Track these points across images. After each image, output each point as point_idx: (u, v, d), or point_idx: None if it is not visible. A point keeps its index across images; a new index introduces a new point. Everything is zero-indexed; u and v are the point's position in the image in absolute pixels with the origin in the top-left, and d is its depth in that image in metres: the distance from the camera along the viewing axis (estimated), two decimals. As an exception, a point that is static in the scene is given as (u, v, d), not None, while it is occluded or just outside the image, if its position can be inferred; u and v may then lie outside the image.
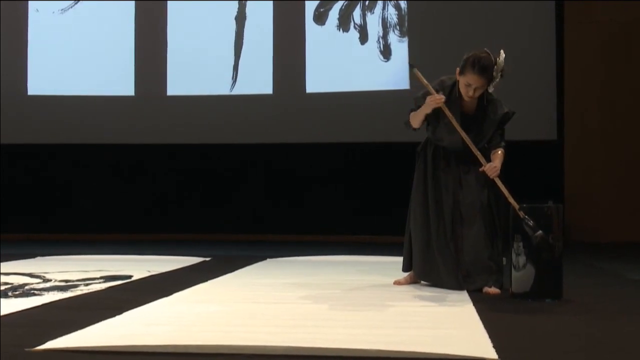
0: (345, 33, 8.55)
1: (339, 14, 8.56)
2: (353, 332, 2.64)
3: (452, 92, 3.85)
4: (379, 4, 8.53)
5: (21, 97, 8.82)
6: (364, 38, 8.51)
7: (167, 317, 2.99)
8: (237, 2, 8.76)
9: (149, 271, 4.76)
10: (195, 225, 8.61)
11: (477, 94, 3.78)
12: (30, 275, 4.49)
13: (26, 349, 2.34)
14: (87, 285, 4.03)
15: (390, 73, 8.39)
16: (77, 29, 8.83)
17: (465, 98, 3.81)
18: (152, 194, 8.83)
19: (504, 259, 3.81)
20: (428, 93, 3.83)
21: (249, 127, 8.59)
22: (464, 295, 3.65)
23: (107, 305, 3.28)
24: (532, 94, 7.96)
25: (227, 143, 8.67)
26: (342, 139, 8.47)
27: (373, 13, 8.53)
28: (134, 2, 8.82)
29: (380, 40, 8.48)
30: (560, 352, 2.43)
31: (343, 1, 8.57)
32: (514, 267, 3.59)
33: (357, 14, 8.54)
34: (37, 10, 8.90)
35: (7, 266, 4.97)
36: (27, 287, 3.88)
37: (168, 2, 8.78)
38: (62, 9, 8.89)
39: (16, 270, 4.70)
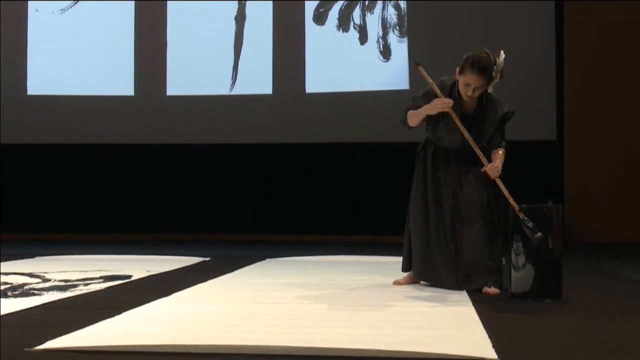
0: (345, 33, 8.55)
1: (339, 14, 8.56)
2: (353, 332, 2.64)
3: (452, 92, 3.85)
4: (379, 4, 8.52)
5: (21, 97, 8.82)
6: (363, 38, 8.51)
7: (166, 317, 2.99)
8: (236, 2, 8.76)
9: (148, 271, 4.76)
10: (195, 225, 8.61)
11: (477, 94, 3.78)
12: (30, 275, 4.48)
13: (25, 349, 2.34)
14: (86, 285, 4.03)
15: (390, 73, 8.39)
16: (76, 29, 8.83)
17: (465, 98, 3.81)
18: (152, 194, 8.83)
19: (504, 259, 3.81)
20: (428, 94, 3.83)
21: (248, 127, 8.59)
22: (463, 295, 3.65)
23: (106, 305, 3.28)
24: (532, 94, 7.96)
25: (227, 143, 8.67)
26: (342, 139, 8.47)
27: (373, 13, 8.53)
28: (133, 2, 8.82)
29: (380, 40, 8.48)
30: (560, 352, 2.43)
31: (343, 1, 8.57)
32: (514, 267, 3.59)
33: (356, 14, 8.54)
34: (37, 10, 8.90)
35: (6, 266, 4.97)
36: (26, 287, 3.88)
37: (168, 2, 8.78)
38: (61, 9, 8.89)
39: (16, 270, 4.70)
